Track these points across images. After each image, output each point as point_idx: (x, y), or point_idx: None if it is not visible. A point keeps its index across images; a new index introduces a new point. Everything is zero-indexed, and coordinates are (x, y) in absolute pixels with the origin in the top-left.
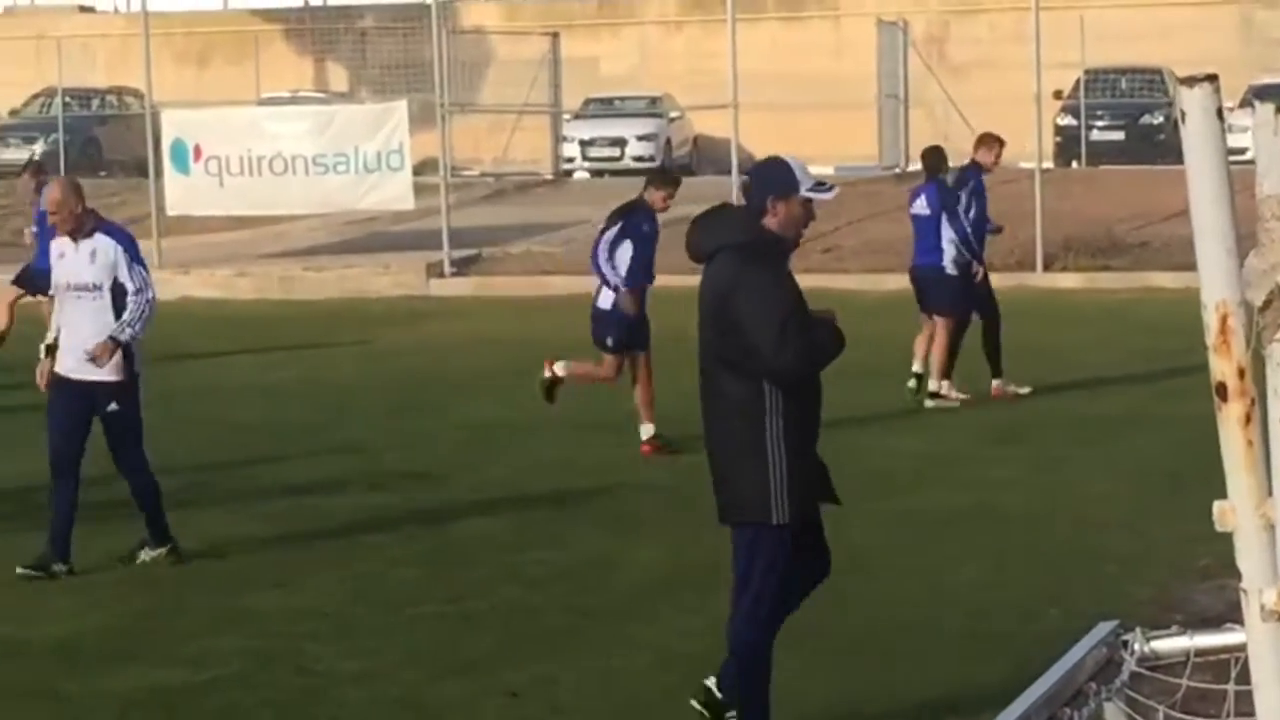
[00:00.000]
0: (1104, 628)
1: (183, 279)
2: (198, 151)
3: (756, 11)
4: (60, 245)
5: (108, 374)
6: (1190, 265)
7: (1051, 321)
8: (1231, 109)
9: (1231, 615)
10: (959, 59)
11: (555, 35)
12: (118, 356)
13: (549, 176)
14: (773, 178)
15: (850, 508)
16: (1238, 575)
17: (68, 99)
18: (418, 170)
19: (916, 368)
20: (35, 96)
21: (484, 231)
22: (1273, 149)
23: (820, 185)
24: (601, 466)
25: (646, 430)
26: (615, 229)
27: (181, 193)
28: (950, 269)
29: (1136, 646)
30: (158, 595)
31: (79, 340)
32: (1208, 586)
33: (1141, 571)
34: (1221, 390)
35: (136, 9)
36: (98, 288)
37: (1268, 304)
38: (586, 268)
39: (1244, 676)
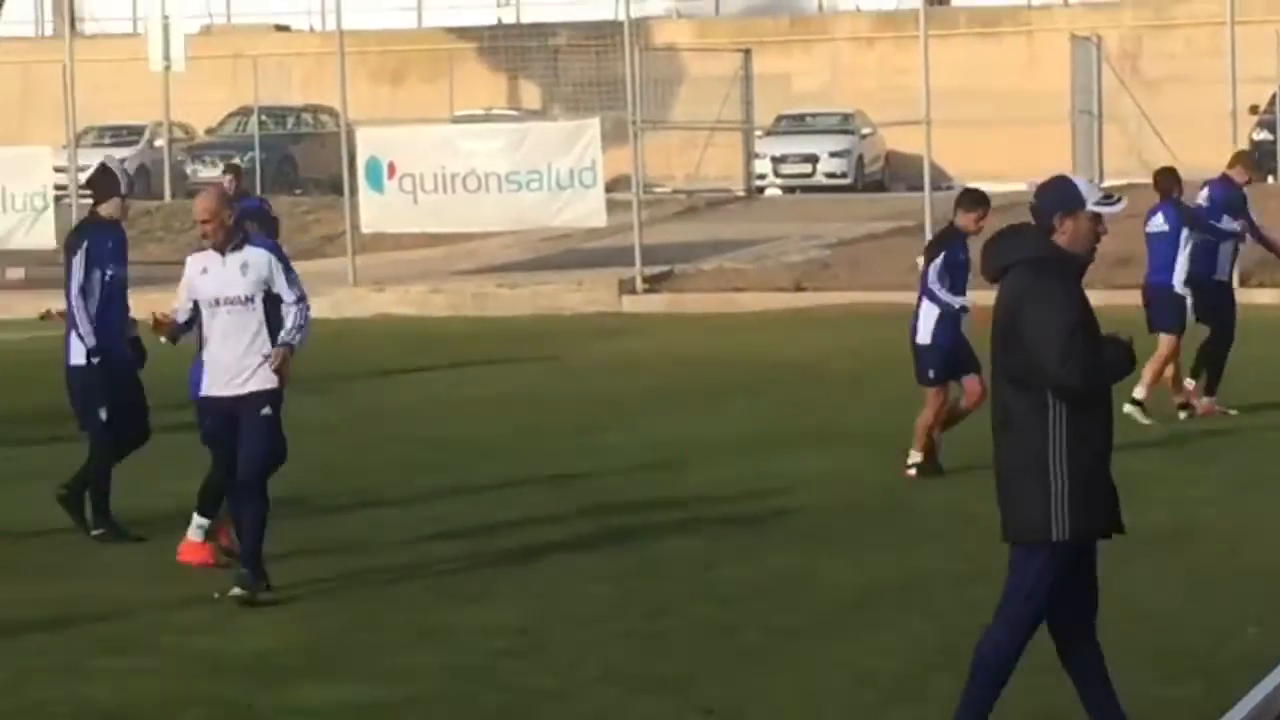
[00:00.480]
0: None
1: (377, 296)
2: (392, 169)
3: (949, 28)
4: (203, 260)
5: (265, 382)
6: None
7: (1248, 337)
8: None
9: None
10: (1153, 74)
11: (747, 52)
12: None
13: (741, 193)
14: (1058, 195)
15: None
16: None
17: (264, 117)
18: (610, 187)
19: (1177, 398)
20: (232, 115)
21: (676, 248)
22: None
23: (1107, 199)
24: (794, 483)
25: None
26: (939, 259)
27: (376, 210)
28: (1179, 288)
29: None
30: (353, 611)
31: (233, 357)
32: None
33: None
34: None
35: (332, 28)
36: (250, 300)
37: None
38: (778, 284)
39: None
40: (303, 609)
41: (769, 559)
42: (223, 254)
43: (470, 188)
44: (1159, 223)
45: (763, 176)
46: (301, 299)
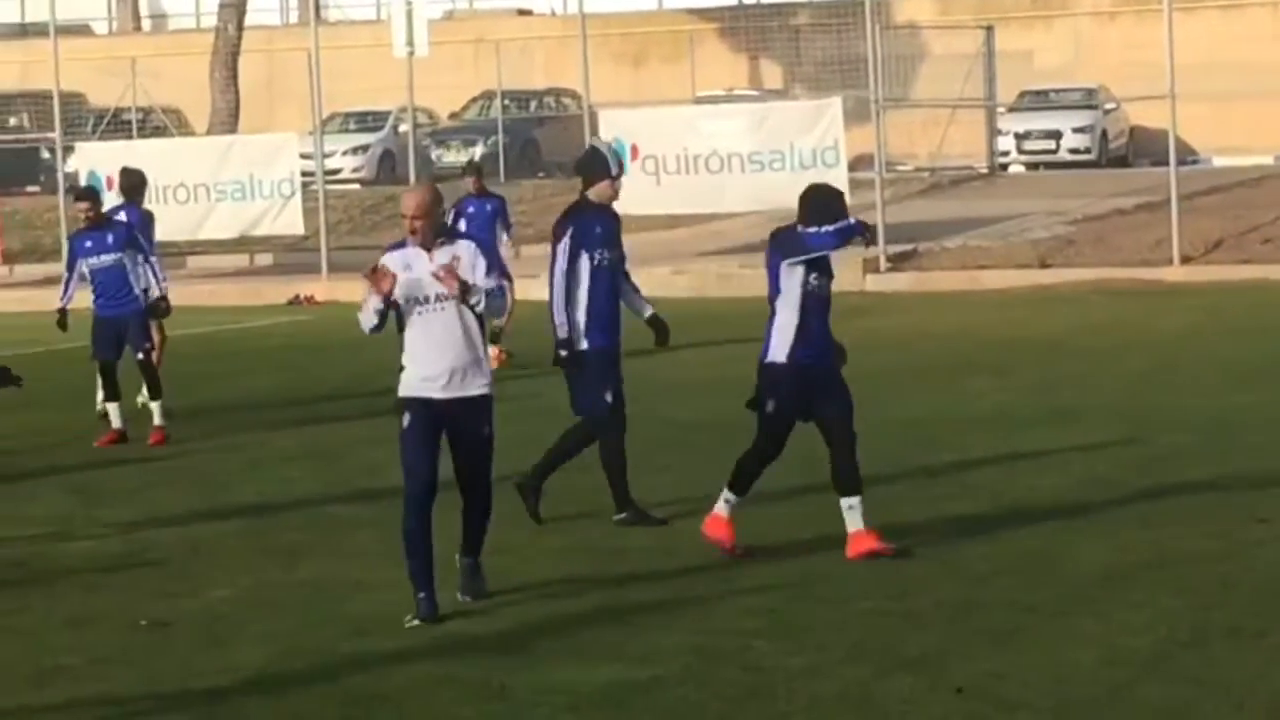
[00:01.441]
0: None
1: None
2: (635, 151)
3: (1193, 1)
4: (407, 257)
5: (480, 388)
6: None
7: None
8: None
9: None
10: None
11: (989, 28)
12: (489, 370)
13: (984, 170)
14: None
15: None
16: None
17: (507, 101)
18: (853, 166)
19: None
20: (474, 99)
21: (920, 226)
22: None
23: None
24: (1041, 460)
25: None
26: None
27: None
28: None
29: None
30: (601, 592)
31: (450, 356)
32: None
33: None
34: None
35: (574, 11)
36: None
37: None
38: (1022, 261)
39: None
40: (551, 589)
41: (1017, 536)
42: (429, 251)
43: (713, 169)
44: None
45: (1006, 153)
46: (501, 285)
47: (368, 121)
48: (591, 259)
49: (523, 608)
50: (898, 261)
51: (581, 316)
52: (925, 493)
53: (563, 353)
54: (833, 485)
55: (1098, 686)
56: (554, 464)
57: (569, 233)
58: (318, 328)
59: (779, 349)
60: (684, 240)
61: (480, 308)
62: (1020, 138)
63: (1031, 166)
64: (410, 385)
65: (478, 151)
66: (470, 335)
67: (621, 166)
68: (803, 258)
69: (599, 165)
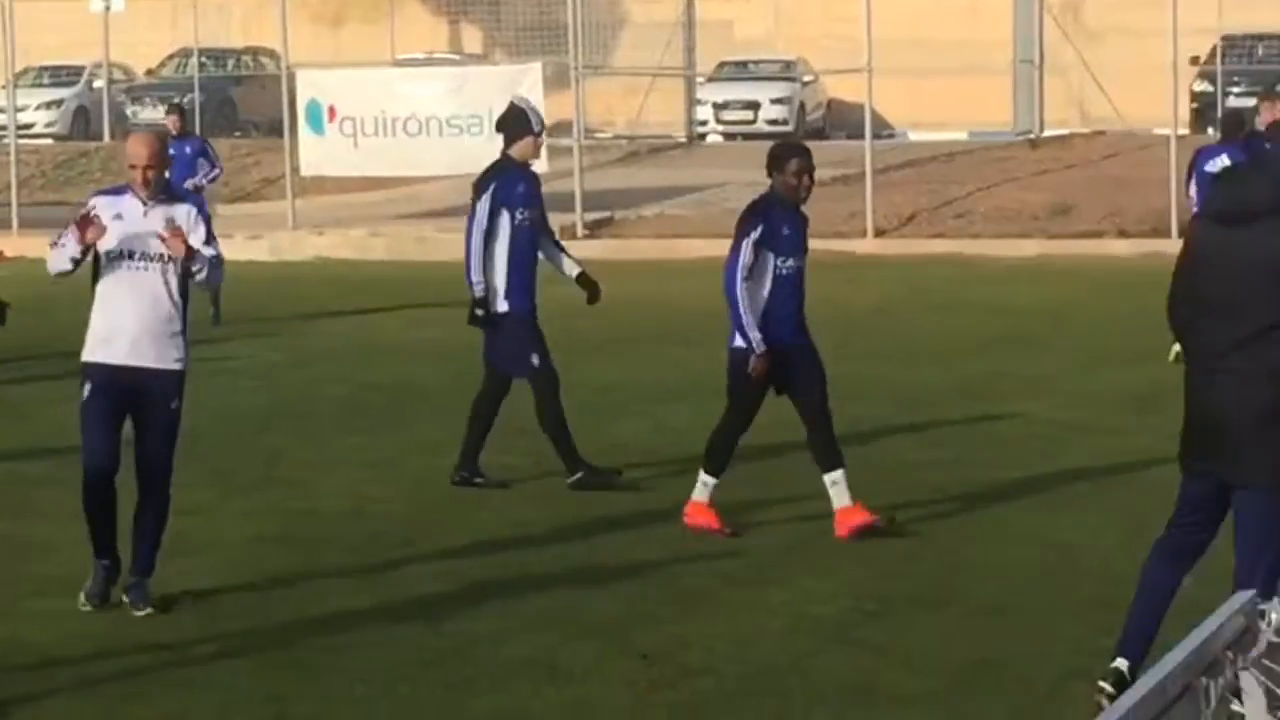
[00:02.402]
0: (1241, 597)
1: (317, 239)
2: (332, 112)
3: None
4: (120, 205)
5: (172, 362)
6: None
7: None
8: None
9: None
10: (1095, 24)
11: None
12: (185, 346)
13: (682, 139)
14: None
15: (984, 475)
16: None
17: (204, 59)
18: (552, 132)
19: None
20: (171, 57)
21: (617, 194)
22: None
23: None
24: None
25: None
26: None
27: (316, 154)
28: None
29: (1274, 616)
30: (289, 553)
31: (142, 320)
32: None
33: None
34: None
35: None
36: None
37: None
38: (720, 230)
39: None
40: (236, 556)
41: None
42: (145, 204)
43: (411, 131)
44: (1222, 163)
45: (704, 123)
46: (220, 254)
47: (62, 76)
48: (512, 217)
49: (210, 574)
50: (595, 229)
51: (501, 277)
52: (617, 459)
53: (479, 312)
54: (814, 462)
55: (783, 654)
56: (476, 444)
57: (490, 190)
58: (8, 284)
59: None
60: (381, 203)
61: (201, 275)
62: (719, 108)
63: (729, 136)
64: (93, 348)
65: None
66: (171, 303)
67: (543, 123)
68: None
69: (522, 122)
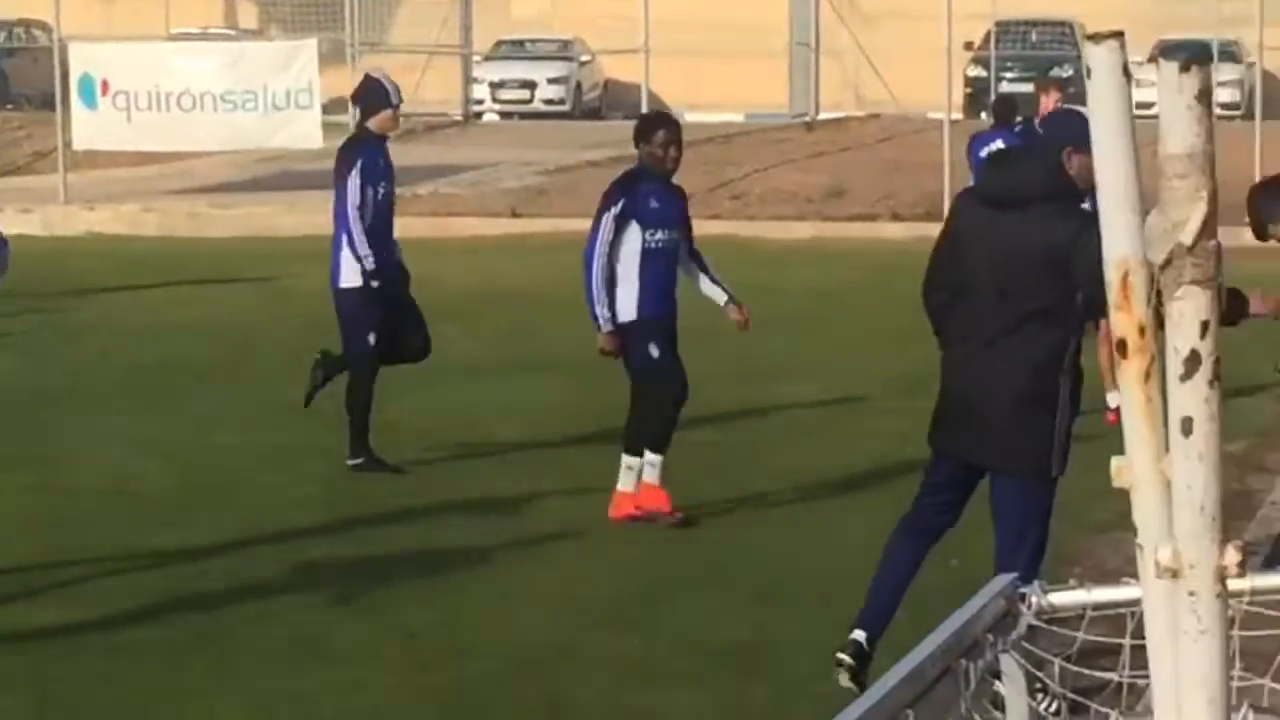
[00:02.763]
0: (1002, 579)
1: (88, 214)
2: (105, 86)
3: None
4: None
5: None
6: None
7: None
8: (1140, 63)
9: (1129, 569)
10: (870, 8)
11: None
12: None
13: (458, 118)
14: (1073, 128)
15: (755, 458)
16: (1135, 530)
17: None
18: (328, 109)
19: None
20: None
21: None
22: (1176, 108)
23: None
24: (506, 411)
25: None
26: None
27: (89, 127)
28: None
29: (1034, 599)
30: (51, 533)
31: None
32: (1107, 540)
33: None
34: (1122, 347)
35: None
36: None
37: (1168, 262)
38: (494, 210)
39: (1140, 631)
40: None
41: (480, 485)
42: None
43: (185, 107)
44: (997, 148)
45: (480, 102)
46: (5, 238)
47: None
48: (375, 193)
49: None
50: None
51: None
52: (381, 438)
53: (374, 284)
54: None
55: (552, 634)
56: (361, 423)
57: (359, 165)
58: None
59: (626, 308)
60: (154, 178)
61: None
62: (495, 86)
63: (506, 115)
64: None
65: None
66: None
67: (400, 95)
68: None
69: (379, 95)
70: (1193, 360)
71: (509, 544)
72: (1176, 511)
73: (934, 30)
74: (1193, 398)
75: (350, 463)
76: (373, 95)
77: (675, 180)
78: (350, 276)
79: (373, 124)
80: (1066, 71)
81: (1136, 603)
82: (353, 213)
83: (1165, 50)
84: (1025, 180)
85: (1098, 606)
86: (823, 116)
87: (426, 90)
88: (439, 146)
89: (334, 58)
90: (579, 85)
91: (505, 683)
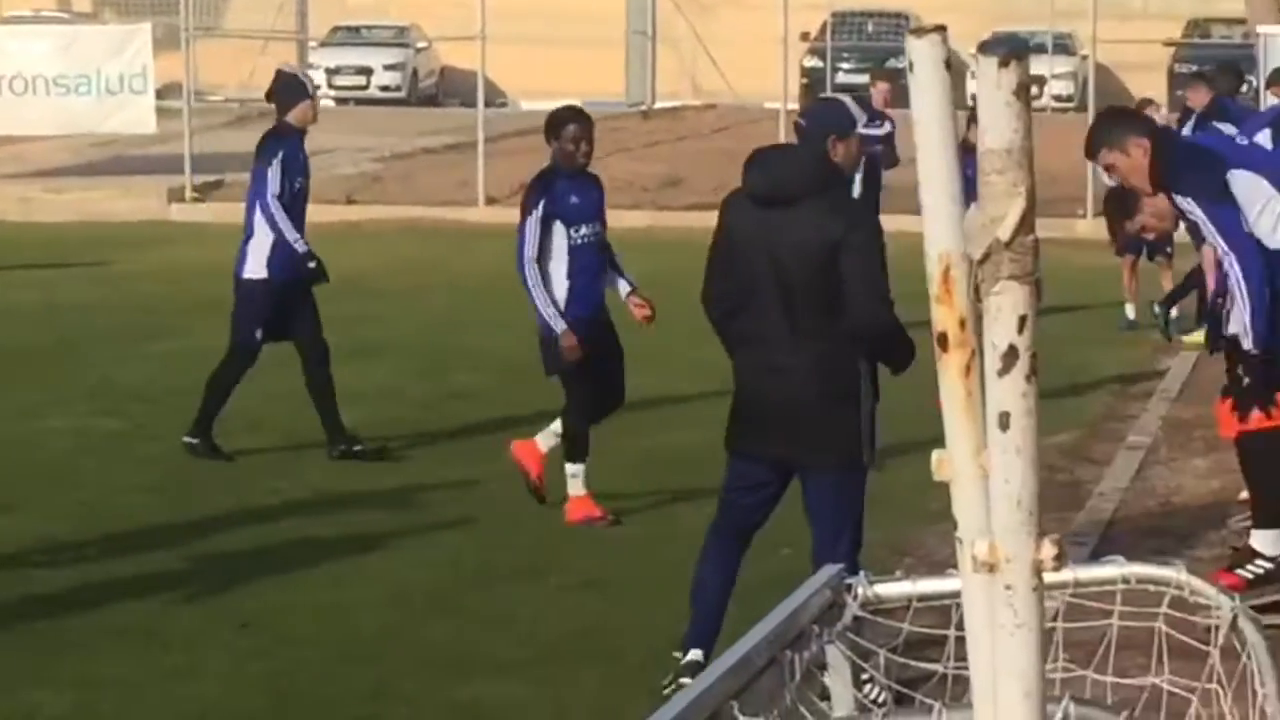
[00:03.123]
0: (829, 570)
1: None
2: None
3: None
4: None
5: None
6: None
7: None
8: (975, 55)
9: (956, 561)
10: None
11: None
12: None
13: None
14: (833, 118)
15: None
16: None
17: None
18: (161, 94)
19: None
20: None
21: (227, 158)
22: (994, 104)
23: (871, 120)
24: (341, 397)
25: None
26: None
27: None
28: None
29: (860, 590)
30: None
31: None
32: (936, 531)
33: (873, 513)
34: (943, 340)
35: None
36: None
37: (986, 257)
38: (329, 196)
39: (965, 622)
40: None
41: (313, 473)
42: None
43: (17, 90)
44: None
45: (317, 87)
46: None
47: None
48: (292, 185)
49: None
50: (204, 192)
51: (266, 246)
52: (219, 425)
53: (311, 266)
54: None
55: (383, 622)
56: (212, 408)
57: (280, 157)
58: None
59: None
60: None
61: None
62: (331, 73)
63: (341, 101)
64: None
65: None
66: None
67: (315, 85)
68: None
69: (295, 89)
70: (1010, 355)
71: (341, 532)
72: (994, 506)
73: (771, 20)
74: (1010, 393)
75: (186, 439)
76: (289, 89)
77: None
78: (255, 268)
79: (292, 117)
80: (902, 62)
81: (960, 594)
82: (274, 202)
83: (985, 45)
84: (793, 176)
85: (923, 598)
86: (659, 105)
87: (262, 76)
88: None
89: (168, 42)
90: (415, 72)
91: (334, 672)
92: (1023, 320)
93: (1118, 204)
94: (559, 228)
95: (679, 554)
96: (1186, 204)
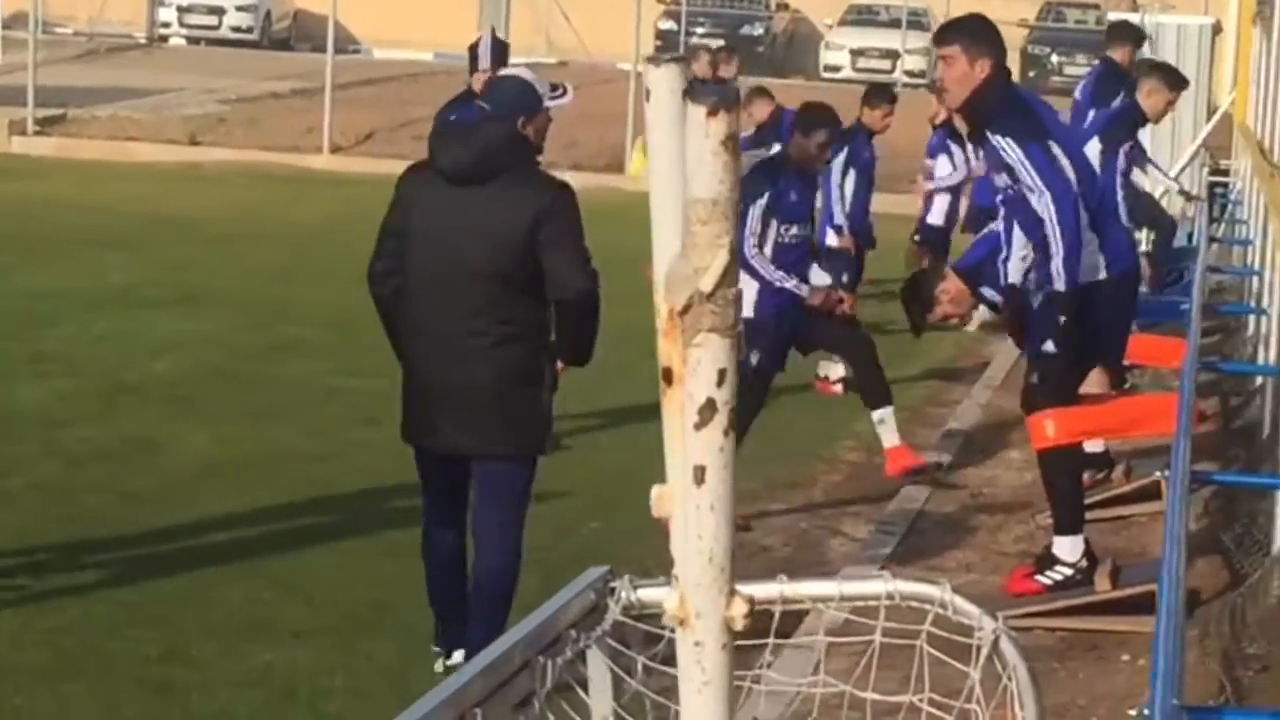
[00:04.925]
0: (592, 573)
1: None
2: None
3: None
4: None
5: None
6: None
7: (640, 226)
8: (831, 25)
9: None
10: None
11: None
12: None
13: (143, 40)
14: (520, 98)
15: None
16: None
17: None
18: (8, 24)
19: None
20: None
21: (72, 92)
22: (702, 153)
23: (555, 93)
24: (161, 344)
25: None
26: (841, 156)
27: None
28: None
29: (623, 594)
30: None
31: None
32: None
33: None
34: (667, 375)
35: None
36: None
37: (687, 308)
38: (173, 136)
39: None
40: None
41: (123, 422)
42: None
43: None
44: None
45: (167, 25)
46: None
47: None
48: None
49: None
50: (46, 126)
51: None
52: (34, 367)
53: None
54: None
55: (180, 583)
56: None
57: None
58: None
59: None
60: None
61: None
62: (183, 10)
63: (193, 41)
64: None
65: None
66: None
67: None
68: None
69: None
70: (708, 409)
71: (144, 485)
72: (685, 560)
73: None
74: (708, 447)
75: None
76: None
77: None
78: None
79: None
80: (757, 30)
81: None
82: None
83: (693, 92)
84: (490, 153)
85: None
86: (515, 60)
87: (113, 10)
88: (122, 69)
89: None
90: (268, 14)
91: (124, 632)
92: (722, 374)
93: (915, 295)
94: (771, 222)
95: None
96: (1004, 143)
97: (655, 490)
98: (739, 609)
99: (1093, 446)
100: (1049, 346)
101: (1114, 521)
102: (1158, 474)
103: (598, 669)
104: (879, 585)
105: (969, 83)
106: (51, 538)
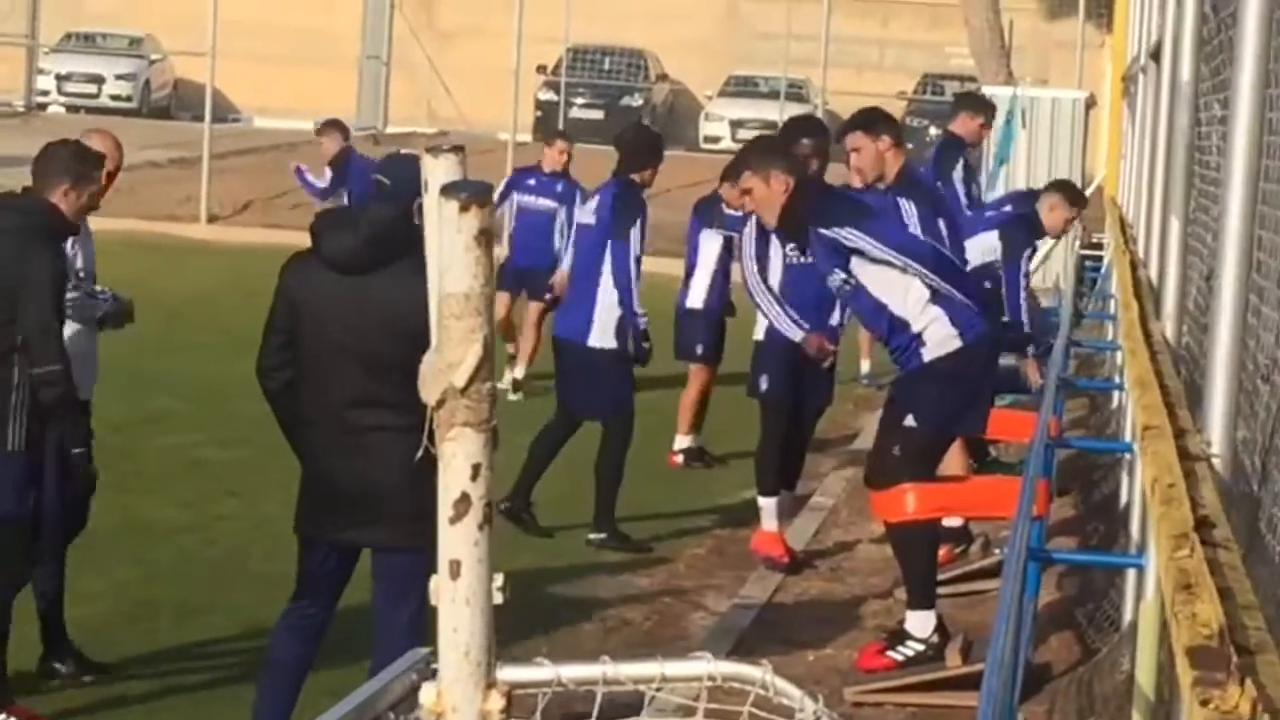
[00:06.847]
0: (415, 654)
1: None
2: None
3: None
4: None
5: None
6: None
7: None
8: (710, 97)
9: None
10: (448, 24)
11: None
12: None
13: (21, 109)
14: (417, 181)
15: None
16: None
17: None
18: None
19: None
20: None
21: None
22: (455, 248)
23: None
24: None
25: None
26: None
27: None
28: None
29: (425, 695)
30: None
31: None
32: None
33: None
34: None
35: None
36: None
37: (441, 403)
38: None
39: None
40: None
41: None
42: None
43: None
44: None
45: (46, 93)
46: None
47: None
48: None
49: None
50: None
51: None
52: None
53: None
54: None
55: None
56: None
57: None
58: None
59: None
60: None
61: None
62: (62, 79)
63: (72, 109)
64: None
65: None
66: None
67: None
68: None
69: None
70: (463, 503)
71: None
72: (442, 655)
73: (509, 50)
74: (462, 541)
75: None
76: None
77: None
78: None
79: None
80: (637, 100)
81: (594, 680)
82: None
83: (446, 188)
84: (379, 239)
85: (515, 685)
86: (391, 130)
87: None
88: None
89: None
90: (148, 83)
91: None
92: (476, 468)
93: None
94: (774, 244)
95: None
96: (845, 234)
97: (433, 581)
98: (495, 703)
99: (951, 521)
100: (909, 421)
101: (969, 596)
102: (997, 552)
103: None
104: (700, 666)
105: (775, 200)
106: None
